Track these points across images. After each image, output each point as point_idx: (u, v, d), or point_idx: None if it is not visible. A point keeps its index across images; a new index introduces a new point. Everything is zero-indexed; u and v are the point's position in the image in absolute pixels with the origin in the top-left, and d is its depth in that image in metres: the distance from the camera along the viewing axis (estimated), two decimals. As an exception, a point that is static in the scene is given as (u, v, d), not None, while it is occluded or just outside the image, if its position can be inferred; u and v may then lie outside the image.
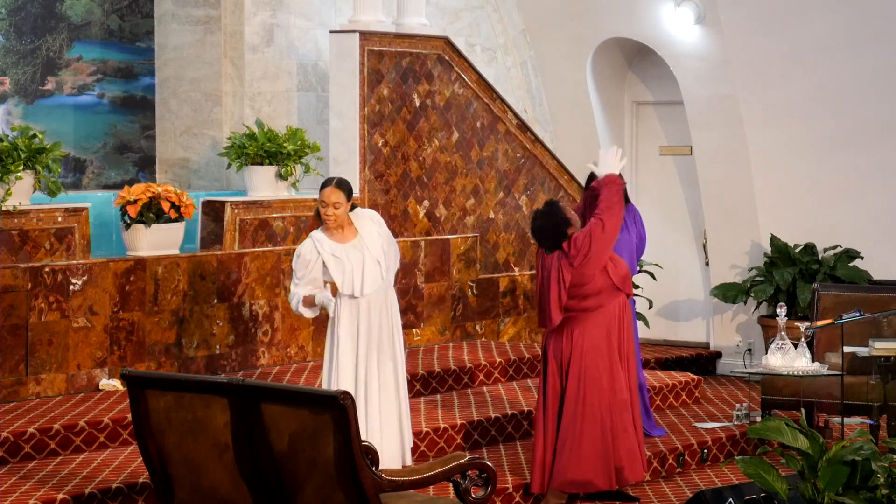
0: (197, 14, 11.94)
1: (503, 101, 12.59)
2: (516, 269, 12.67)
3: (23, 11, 11.66)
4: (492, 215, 12.51)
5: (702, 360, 13.50)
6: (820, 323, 9.87)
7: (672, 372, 11.72)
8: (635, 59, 14.07)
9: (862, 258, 12.77)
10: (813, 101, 12.82)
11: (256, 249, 10.55)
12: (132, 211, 9.85)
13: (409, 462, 8.64)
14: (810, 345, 10.07)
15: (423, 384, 10.39)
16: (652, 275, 13.21)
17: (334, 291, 8.47)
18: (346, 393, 6.18)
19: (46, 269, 9.31)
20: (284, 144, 10.95)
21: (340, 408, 6.15)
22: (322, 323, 8.58)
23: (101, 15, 12.12)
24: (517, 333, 12.52)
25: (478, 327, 12.18)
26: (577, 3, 13.58)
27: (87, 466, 8.24)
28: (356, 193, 10.91)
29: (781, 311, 9.63)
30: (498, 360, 11.06)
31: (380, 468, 6.94)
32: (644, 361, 12.44)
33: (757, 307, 13.22)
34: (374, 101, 11.52)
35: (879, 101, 12.61)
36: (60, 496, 7.56)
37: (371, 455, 6.93)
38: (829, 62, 12.69)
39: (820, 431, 9.97)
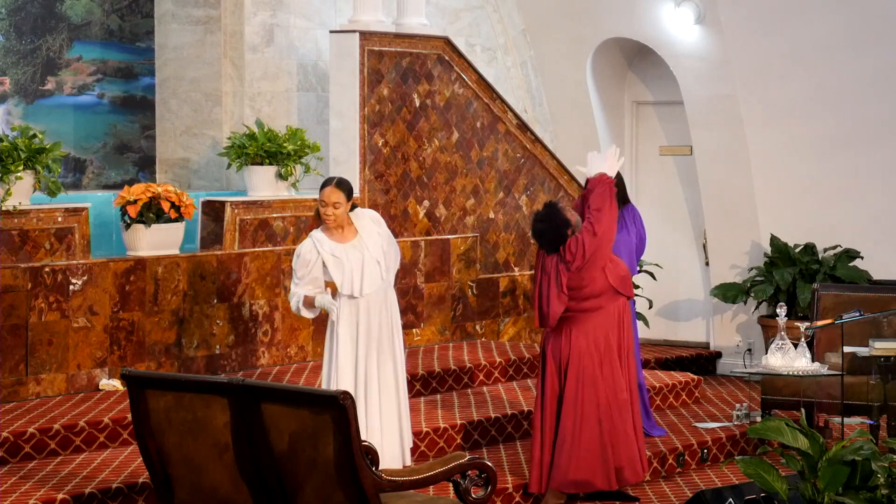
0: (197, 14, 11.94)
1: (503, 101, 12.60)
2: (516, 269, 12.67)
3: (23, 11, 11.66)
4: (492, 215, 12.51)
5: (702, 360, 13.50)
6: (820, 323, 9.87)
7: (672, 372, 11.72)
8: (635, 59, 14.07)
9: (862, 258, 12.77)
10: (813, 101, 12.82)
11: (256, 249, 10.55)
12: (132, 211, 9.85)
13: (408, 462, 8.64)
14: (810, 345, 10.07)
15: (423, 384, 10.39)
16: (652, 275, 13.21)
17: (334, 291, 8.47)
18: (346, 393, 6.18)
19: (46, 269, 9.31)
20: (284, 144, 10.95)
21: (340, 408, 6.15)
22: (322, 323, 8.58)
23: (101, 15, 12.12)
24: (517, 333, 12.52)
25: (478, 327, 12.18)
26: (577, 3, 13.58)
27: (87, 466, 8.24)
28: (356, 193, 10.91)
29: (781, 311, 9.62)
30: (498, 360, 11.06)
31: (380, 468, 6.94)
32: (644, 361, 12.44)
33: (757, 307, 13.22)
34: (374, 101, 11.52)
35: (879, 101, 12.61)
36: (60, 496, 7.56)
37: (371, 455, 6.93)
38: (829, 62, 12.69)
39: (820, 431, 9.97)
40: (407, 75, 11.78)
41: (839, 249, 12.84)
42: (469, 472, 6.80)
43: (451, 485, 6.86)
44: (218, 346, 10.22)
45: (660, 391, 10.92)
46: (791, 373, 9.55)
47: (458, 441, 9.47)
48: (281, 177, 11.02)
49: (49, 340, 9.31)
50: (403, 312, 10.63)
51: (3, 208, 9.32)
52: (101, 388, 9.57)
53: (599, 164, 8.66)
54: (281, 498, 6.43)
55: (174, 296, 9.95)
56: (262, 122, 11.32)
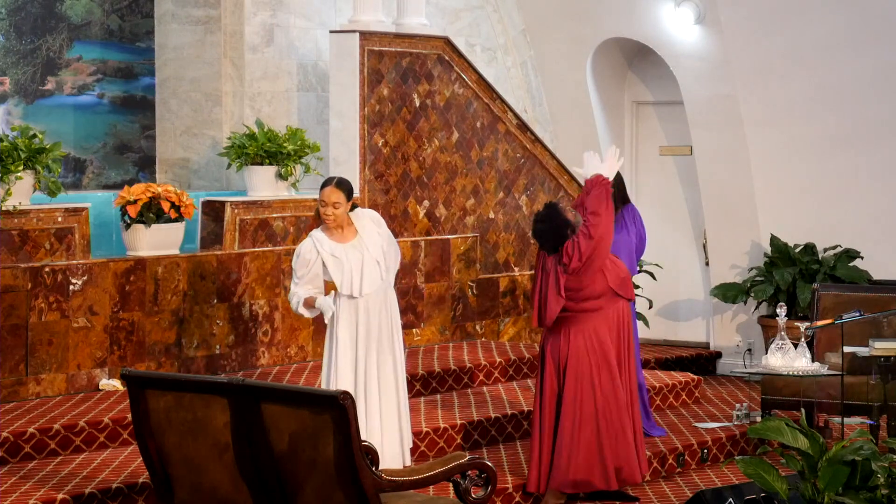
0: (197, 14, 11.94)
1: (503, 101, 12.59)
2: (516, 269, 12.67)
3: (23, 11, 11.66)
4: (492, 215, 12.51)
5: (702, 360, 13.50)
6: (820, 323, 9.87)
7: (672, 372, 11.72)
8: (635, 59, 14.07)
9: (862, 258, 12.77)
10: (813, 101, 12.82)
11: (256, 249, 10.55)
12: (132, 211, 9.85)
13: (408, 462, 8.64)
14: (810, 345, 10.07)
15: (423, 384, 10.39)
16: (652, 275, 13.21)
17: (333, 291, 8.47)
18: (346, 393, 6.18)
19: (46, 269, 9.31)
20: (284, 144, 10.95)
21: (340, 408, 6.15)
22: (322, 323, 8.58)
23: (101, 15, 12.12)
24: (517, 333, 12.52)
25: (478, 327, 12.18)
26: (577, 3, 13.58)
27: (87, 466, 8.24)
28: (356, 193, 10.91)
29: (781, 311, 9.62)
30: (498, 360, 11.06)
31: (380, 468, 6.94)
32: (644, 361, 12.44)
33: (757, 307, 13.22)
34: (374, 101, 11.52)
35: (879, 101, 12.61)
36: (60, 496, 7.56)
37: (371, 455, 6.93)
38: (829, 62, 12.69)
39: (820, 431, 9.97)
40: (407, 75, 11.78)
41: (839, 249, 12.84)
42: (469, 472, 6.80)
43: (451, 485, 6.86)
44: (218, 346, 10.22)
45: (660, 391, 10.92)
46: (791, 373, 9.55)
47: (458, 441, 9.47)
48: (281, 177, 11.02)
49: (49, 340, 9.31)
50: (403, 312, 10.63)
51: (3, 208, 9.32)
52: (101, 388, 9.57)
53: (596, 166, 8.62)
54: (281, 498, 6.43)
55: (174, 296, 9.95)
56: (262, 122, 11.32)
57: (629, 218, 9.80)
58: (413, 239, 11.68)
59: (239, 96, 11.83)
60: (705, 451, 9.81)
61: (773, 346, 9.63)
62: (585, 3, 13.54)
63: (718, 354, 13.61)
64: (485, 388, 10.73)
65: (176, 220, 10.04)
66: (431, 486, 7.31)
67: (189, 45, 11.98)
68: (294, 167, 11.03)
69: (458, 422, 9.52)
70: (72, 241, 9.70)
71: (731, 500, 7.68)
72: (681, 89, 13.31)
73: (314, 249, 8.40)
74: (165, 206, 9.92)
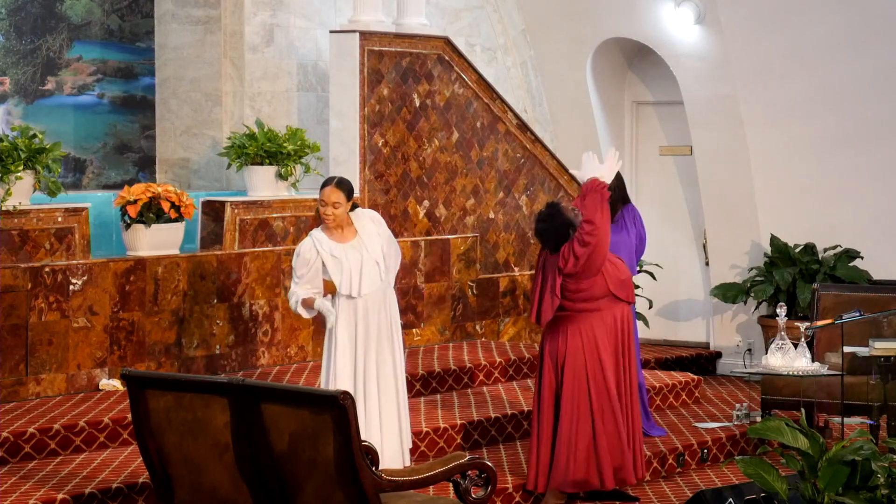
0: (197, 14, 11.94)
1: (503, 101, 12.59)
2: (516, 269, 12.67)
3: (23, 11, 11.66)
4: (492, 215, 12.51)
5: (702, 360, 13.50)
6: (820, 323, 9.87)
7: (672, 372, 11.72)
8: (635, 59, 14.07)
9: (862, 258, 12.77)
10: (813, 101, 12.82)
11: (256, 249, 10.55)
12: (132, 211, 9.85)
13: (407, 463, 8.64)
14: (810, 345, 10.07)
15: (423, 384, 10.39)
16: (652, 275, 13.21)
17: (332, 291, 8.47)
18: (346, 393, 6.18)
19: (46, 269, 9.31)
20: (284, 144, 10.95)
21: (340, 408, 6.15)
22: (322, 323, 8.58)
23: (101, 15, 12.13)
24: (517, 333, 12.52)
25: (478, 327, 12.18)
26: (577, 3, 13.58)
27: (87, 466, 8.24)
28: (356, 193, 10.91)
29: (781, 311, 9.62)
30: (498, 360, 11.06)
31: (379, 468, 6.94)
32: (644, 361, 12.44)
33: (757, 307, 13.22)
34: (374, 101, 11.52)
35: (879, 101, 12.61)
36: (60, 496, 7.56)
37: (371, 455, 6.93)
38: (829, 62, 12.69)
39: (820, 431, 9.97)
40: (407, 75, 11.78)
41: (839, 249, 12.84)
42: (469, 472, 6.80)
43: (451, 485, 6.86)
44: (218, 346, 10.22)
45: (660, 391, 10.92)
46: (791, 373, 9.55)
47: (458, 441, 9.47)
48: (281, 177, 11.02)
49: (49, 340, 9.31)
50: (403, 312, 10.63)
51: (3, 208, 9.32)
52: (101, 388, 9.57)
53: (593, 168, 8.59)
54: (281, 498, 6.43)
55: (174, 296, 9.96)
56: (262, 122, 11.32)
57: (629, 218, 9.79)
58: (413, 239, 11.68)
59: (239, 96, 11.83)
60: (705, 451, 9.81)
61: (773, 346, 9.63)
62: (585, 3, 13.54)
63: (718, 354, 13.61)
64: (485, 388, 10.73)
65: (176, 220, 10.04)
66: (431, 486, 7.31)
67: (189, 45, 11.98)
68: (294, 167, 11.03)
69: (458, 422, 9.52)
70: (72, 241, 9.70)
71: (731, 500, 7.68)
72: (681, 89, 13.31)
73: (314, 249, 8.40)
74: (165, 206, 9.92)
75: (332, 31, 11.67)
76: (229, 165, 11.17)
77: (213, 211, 10.59)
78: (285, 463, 6.36)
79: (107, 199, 10.63)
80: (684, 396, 11.13)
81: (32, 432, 8.41)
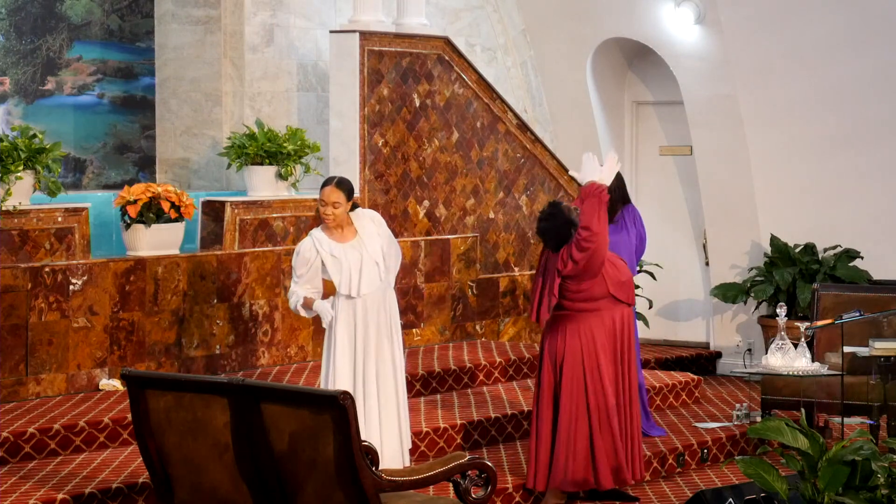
0: (197, 14, 11.94)
1: (503, 101, 12.59)
2: (516, 269, 12.67)
3: (23, 11, 11.66)
4: (492, 215, 12.51)
5: (702, 360, 13.50)
6: (820, 323, 9.87)
7: (672, 372, 11.72)
8: (635, 59, 14.07)
9: (862, 258, 12.77)
10: (813, 101, 12.82)
11: (256, 249, 10.56)
12: (132, 211, 9.85)
13: (407, 463, 8.63)
14: (810, 345, 10.07)
15: (423, 384, 10.39)
16: (652, 275, 13.21)
17: (332, 291, 8.47)
18: (346, 393, 6.18)
19: (46, 269, 9.31)
20: (284, 144, 10.95)
21: (340, 408, 6.15)
22: (322, 323, 8.58)
23: (101, 15, 12.13)
24: (517, 333, 12.52)
25: (478, 327, 12.18)
26: (577, 3, 13.57)
27: (87, 466, 8.24)
28: (356, 193, 10.91)
29: (781, 311, 9.62)
30: (498, 360, 11.06)
31: (380, 468, 6.94)
32: (644, 361, 12.44)
33: (757, 307, 13.22)
34: (374, 101, 11.52)
35: (879, 101, 12.61)
36: (60, 496, 7.56)
37: (371, 455, 6.93)
38: (829, 62, 12.69)
39: (820, 431, 9.97)
40: (407, 75, 11.78)
41: (839, 249, 12.84)
42: (469, 472, 6.80)
43: (451, 485, 6.86)
44: (218, 346, 10.22)
45: (660, 391, 10.92)
46: (791, 373, 9.55)
47: (458, 441, 9.47)
48: (281, 177, 11.02)
49: (49, 340, 9.31)
50: (403, 312, 10.63)
51: (3, 208, 9.32)
52: (101, 388, 9.57)
53: (593, 170, 8.59)
54: (281, 498, 6.43)
55: (174, 296, 9.96)
56: (262, 122, 11.32)
57: (629, 218, 9.79)
58: (413, 239, 11.68)
59: (239, 96, 11.83)
60: (705, 451, 9.81)
61: (773, 346, 9.63)
62: (585, 3, 13.54)
63: (718, 354, 13.61)
64: (485, 388, 10.73)
65: (176, 220, 10.04)
66: (431, 486, 7.31)
67: (189, 45, 11.98)
68: (294, 167, 11.03)
69: (458, 422, 9.52)
70: (72, 241, 9.70)
71: (731, 500, 7.68)
72: (681, 89, 13.31)
73: (314, 248, 8.40)
74: (165, 206, 9.92)
75: (332, 31, 11.67)
76: (229, 165, 11.17)
77: (213, 211, 10.59)
78: (285, 463, 6.36)
79: (107, 199, 10.63)
80: (684, 396, 11.13)
81: (32, 432, 8.41)
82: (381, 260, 8.47)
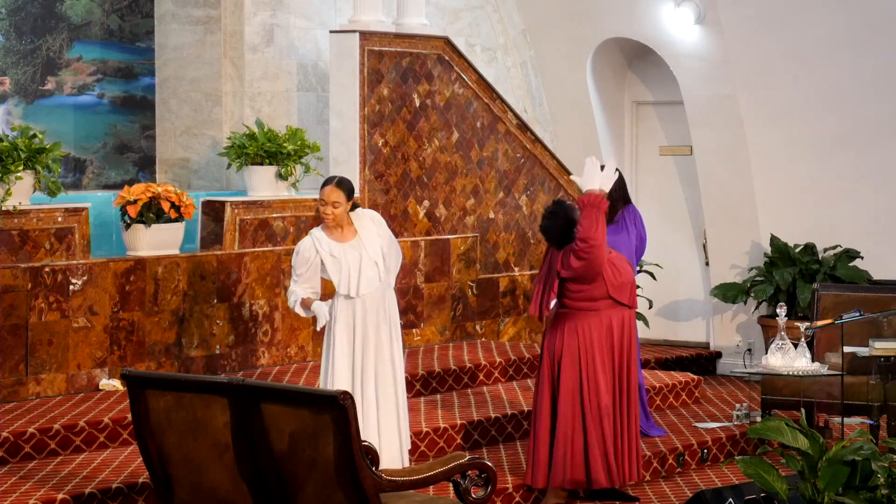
0: (197, 14, 11.95)
1: (503, 101, 12.59)
2: (516, 269, 12.67)
3: (23, 11, 11.66)
4: (492, 215, 12.51)
5: (702, 360, 13.50)
6: (820, 323, 9.87)
7: (672, 372, 11.72)
8: (635, 59, 14.07)
9: (862, 258, 12.77)
10: (813, 101, 12.82)
11: (256, 249, 10.56)
12: (132, 211, 9.85)
13: (406, 464, 8.63)
14: (810, 345, 10.07)
15: (423, 384, 10.39)
16: (652, 275, 13.21)
17: (331, 291, 8.47)
18: (346, 393, 6.18)
19: (46, 269, 9.31)
20: (284, 144, 10.95)
21: (340, 408, 6.15)
22: (316, 325, 8.58)
23: (101, 15, 12.13)
24: (517, 333, 12.52)
25: (478, 327, 12.18)
26: (577, 3, 13.58)
27: (87, 466, 8.24)
28: (356, 193, 10.91)
29: (781, 311, 9.62)
30: (498, 360, 11.06)
31: (379, 468, 6.94)
32: (644, 361, 12.44)
33: (757, 307, 13.22)
34: (374, 101, 11.52)
35: (879, 101, 12.61)
36: (60, 496, 7.56)
37: (371, 455, 6.93)
38: (829, 62, 12.69)
39: (820, 431, 9.97)
40: (407, 75, 11.78)
41: (839, 249, 12.84)
42: (469, 472, 6.80)
43: (451, 485, 6.86)
44: (218, 346, 10.22)
45: (660, 391, 10.92)
46: (791, 373, 9.55)
47: (458, 441, 9.47)
48: (281, 177, 11.02)
49: (49, 340, 9.31)
50: (403, 312, 10.63)
51: (3, 208, 9.32)
52: (101, 388, 9.57)
53: (592, 177, 8.58)
54: (281, 498, 6.43)
55: (174, 296, 9.96)
56: (262, 122, 11.32)
57: (630, 219, 9.78)
58: (413, 239, 11.68)
59: (239, 96, 11.84)
60: (705, 451, 9.81)
61: (773, 346, 9.63)
62: (585, 3, 13.54)
63: (718, 354, 13.61)
64: (485, 388, 10.73)
65: (176, 220, 10.04)
66: (431, 486, 7.31)
67: (189, 45, 11.98)
68: (294, 167, 11.03)
69: (458, 422, 9.52)
70: (72, 241, 9.70)
71: (731, 500, 7.68)
72: (681, 89, 13.31)
73: (313, 247, 8.40)
74: (165, 206, 9.92)
75: (332, 31, 11.67)
76: (229, 165, 11.17)
77: (213, 211, 10.59)
78: (285, 463, 6.36)
79: (107, 199, 10.63)
80: (684, 396, 11.13)
81: (32, 432, 8.41)
82: (380, 260, 8.47)
